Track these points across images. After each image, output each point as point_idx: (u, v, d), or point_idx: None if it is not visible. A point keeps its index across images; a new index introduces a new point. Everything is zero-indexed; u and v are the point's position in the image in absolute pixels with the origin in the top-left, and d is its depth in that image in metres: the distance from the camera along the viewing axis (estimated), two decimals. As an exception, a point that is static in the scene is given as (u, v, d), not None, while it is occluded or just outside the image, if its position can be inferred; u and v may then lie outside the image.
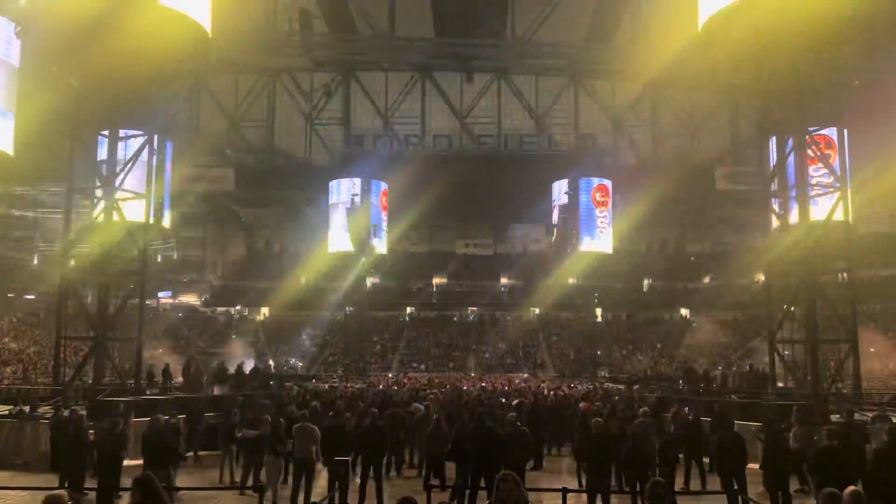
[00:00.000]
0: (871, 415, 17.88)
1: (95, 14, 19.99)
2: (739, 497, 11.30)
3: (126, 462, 12.96)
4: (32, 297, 54.49)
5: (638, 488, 11.61)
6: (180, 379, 28.38)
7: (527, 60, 57.71)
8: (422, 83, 61.62)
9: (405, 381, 38.07)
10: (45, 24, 21.77)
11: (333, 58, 58.32)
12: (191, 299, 62.30)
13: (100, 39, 20.56)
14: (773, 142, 23.73)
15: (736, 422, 14.28)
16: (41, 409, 19.13)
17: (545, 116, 61.30)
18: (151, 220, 23.55)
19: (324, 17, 55.32)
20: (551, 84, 61.46)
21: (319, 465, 12.72)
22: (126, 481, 11.97)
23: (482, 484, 11.37)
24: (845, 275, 23.89)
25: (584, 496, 12.28)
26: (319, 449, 12.54)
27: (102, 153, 23.65)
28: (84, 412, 16.26)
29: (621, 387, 32.92)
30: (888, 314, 47.89)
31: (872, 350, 37.71)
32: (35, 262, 59.92)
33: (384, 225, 56.89)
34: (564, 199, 55.42)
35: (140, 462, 13.11)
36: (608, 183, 54.69)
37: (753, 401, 21.20)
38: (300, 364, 51.62)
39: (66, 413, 16.62)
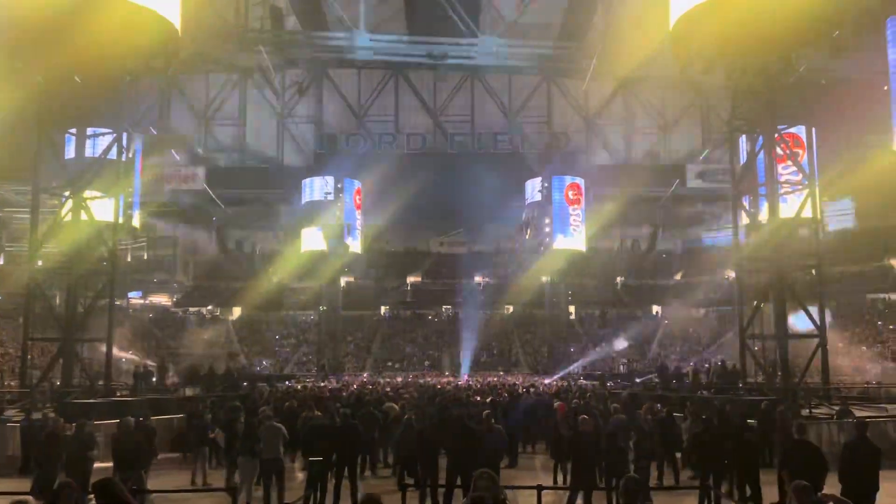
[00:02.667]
0: (835, 409, 18.19)
1: (62, 9, 19.64)
2: (712, 492, 11.41)
3: (98, 465, 12.79)
4: (-3, 297, 53.44)
5: (614, 484, 11.68)
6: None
7: (499, 59, 57.85)
8: (395, 81, 61.52)
9: (380, 381, 37.95)
10: (10, 20, 21.33)
11: (305, 55, 57.98)
12: (162, 299, 61.60)
13: (66, 35, 20.20)
14: (743, 140, 24.02)
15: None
16: (8, 412, 18.80)
17: (518, 115, 61.48)
18: (121, 220, 23.26)
19: (295, 14, 55.00)
20: (524, 83, 61.67)
21: (292, 465, 12.64)
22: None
23: (458, 482, 11.36)
24: (814, 271, 24.25)
25: (558, 493, 12.34)
26: (286, 448, 12.48)
27: (70, 151, 23.30)
28: (53, 414, 15.98)
29: (595, 383, 33.12)
30: (856, 310, 48.71)
31: (840, 345, 38.32)
32: (1, 261, 58.88)
33: (358, 224, 56.67)
34: (538, 198, 55.64)
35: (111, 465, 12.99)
36: (581, 181, 55.00)
37: (724, 396, 21.42)
38: (267, 363, 51.26)
39: (37, 416, 16.38)
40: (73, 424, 12.72)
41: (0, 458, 16.82)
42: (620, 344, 52.08)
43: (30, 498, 5.83)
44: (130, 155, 24.42)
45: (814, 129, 23.63)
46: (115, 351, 24.80)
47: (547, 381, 38.03)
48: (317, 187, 54.62)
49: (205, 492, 13.61)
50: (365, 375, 45.00)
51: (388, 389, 27.76)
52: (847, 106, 40.99)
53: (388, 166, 51.86)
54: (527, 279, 56.00)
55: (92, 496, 5.87)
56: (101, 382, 22.19)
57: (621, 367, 46.67)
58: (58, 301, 25.78)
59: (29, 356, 22.57)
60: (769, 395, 19.43)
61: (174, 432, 19.96)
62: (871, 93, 43.10)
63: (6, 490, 9.24)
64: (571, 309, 59.48)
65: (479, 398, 22.73)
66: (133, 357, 36.18)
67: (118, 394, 23.21)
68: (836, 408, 18.48)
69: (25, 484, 12.89)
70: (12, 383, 29.40)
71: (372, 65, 60.59)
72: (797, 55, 22.53)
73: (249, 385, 30.44)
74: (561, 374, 44.49)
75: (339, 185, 54.13)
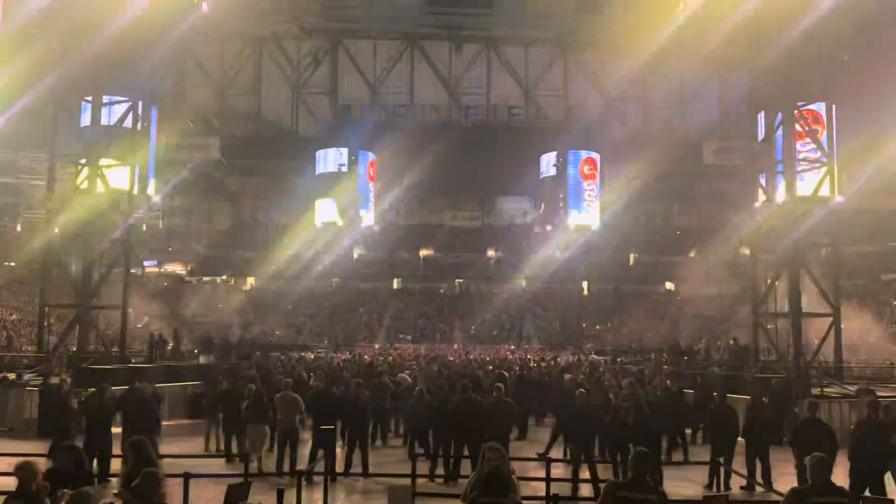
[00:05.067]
0: (854, 389, 18.15)
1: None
2: (722, 468, 11.46)
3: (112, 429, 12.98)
4: (13, 264, 53.87)
5: (619, 459, 11.74)
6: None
7: (516, 31, 57.25)
8: (410, 52, 61.09)
9: (392, 351, 38.20)
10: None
11: (321, 25, 57.63)
12: (176, 268, 61.99)
13: (82, 3, 20.20)
14: (761, 117, 23.74)
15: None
16: (26, 377, 19.12)
17: (534, 88, 60.98)
18: (136, 188, 23.34)
19: (311, -16, 54.58)
20: (541, 56, 61.07)
21: (305, 434, 12.79)
22: (118, 449, 12.02)
23: (465, 453, 11.48)
24: (829, 250, 24.11)
25: (567, 466, 12.43)
26: (304, 417, 12.63)
27: (86, 119, 23.36)
28: (68, 380, 16.22)
29: (606, 359, 33.19)
30: (871, 290, 48.36)
31: (854, 325, 38.13)
32: (18, 228, 59.39)
33: (371, 196, 56.63)
34: (552, 172, 55.34)
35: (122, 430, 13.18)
36: (596, 156, 54.61)
37: (736, 373, 21.43)
38: (280, 333, 51.59)
39: (54, 380, 16.64)
40: (91, 390, 12.90)
41: (17, 421, 17.15)
42: (632, 320, 52.06)
43: (35, 459, 5.94)
44: (146, 123, 24.42)
45: (833, 107, 23.28)
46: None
47: (558, 356, 38.08)
48: (331, 159, 54.55)
49: (218, 458, 13.82)
50: (377, 347, 45.23)
51: (391, 359, 28.00)
52: (869, 83, 40.30)
53: (403, 138, 51.64)
54: (540, 254, 55.90)
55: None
56: (115, 350, 22.46)
57: (633, 344, 46.66)
58: (74, 268, 26.00)
59: (45, 322, 22.85)
60: (781, 373, 19.43)
61: (188, 399, 20.27)
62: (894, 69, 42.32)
63: (23, 452, 9.43)
64: (584, 284, 59.37)
65: (491, 368, 22.90)
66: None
67: (133, 361, 23.47)
68: (850, 387, 18.49)
69: (41, 446, 13.14)
70: (29, 349, 29.82)
71: (387, 35, 60.13)
72: (818, 30, 22.16)
73: (263, 354, 30.71)
74: (572, 349, 44.55)
75: (353, 157, 54.00)
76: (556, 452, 14.20)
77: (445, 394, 13.64)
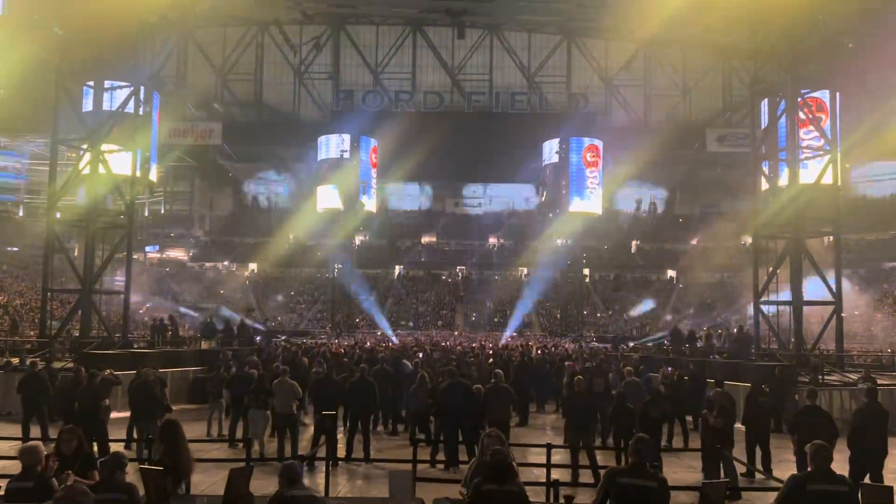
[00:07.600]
0: (856, 376, 18.17)
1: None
2: (721, 454, 11.49)
3: (116, 414, 13.07)
4: (16, 249, 53.99)
5: (622, 445, 11.79)
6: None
7: (519, 17, 56.97)
8: (413, 38, 60.83)
9: (394, 339, 38.27)
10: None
11: (323, 10, 57.36)
12: (178, 254, 62.07)
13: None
14: (765, 104, 23.66)
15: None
16: (29, 362, 19.17)
17: (537, 75, 60.74)
18: (138, 174, 23.34)
19: (313, -31, 54.29)
20: (544, 42, 60.79)
21: (308, 420, 12.84)
22: (114, 432, 12.10)
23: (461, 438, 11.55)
24: (831, 238, 24.09)
25: (569, 452, 12.47)
26: (302, 403, 12.68)
27: (88, 104, 23.32)
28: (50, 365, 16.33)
29: (607, 346, 33.23)
30: (873, 278, 48.36)
31: (856, 313, 38.18)
32: (21, 214, 59.48)
33: (373, 182, 56.53)
34: (555, 159, 55.19)
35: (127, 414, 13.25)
36: (599, 143, 54.40)
37: (737, 361, 21.45)
38: (279, 319, 51.75)
39: (57, 365, 16.71)
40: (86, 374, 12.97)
41: (17, 406, 17.19)
42: (637, 306, 52.15)
43: (39, 443, 5.98)
44: (148, 108, 24.37)
45: (837, 94, 23.18)
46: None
47: (560, 342, 38.16)
48: (333, 145, 54.38)
49: (220, 442, 13.88)
50: (378, 334, 45.34)
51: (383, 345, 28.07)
52: (873, 70, 40.11)
53: (405, 124, 51.48)
54: (542, 241, 55.86)
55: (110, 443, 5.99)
56: (118, 335, 22.53)
57: (634, 331, 46.73)
58: (76, 253, 26.07)
59: (48, 307, 22.90)
60: (782, 361, 19.44)
61: (190, 384, 20.35)
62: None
63: (20, 436, 9.50)
64: (586, 272, 59.39)
65: (490, 352, 22.93)
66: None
67: (135, 346, 23.55)
68: (851, 375, 18.50)
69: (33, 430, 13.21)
70: (31, 333, 29.92)
71: (390, 21, 59.88)
72: (823, 16, 22.06)
73: (264, 340, 30.82)
74: (573, 336, 44.63)
75: (354, 143, 53.84)
76: (558, 439, 14.28)
77: (441, 381, 13.69)
